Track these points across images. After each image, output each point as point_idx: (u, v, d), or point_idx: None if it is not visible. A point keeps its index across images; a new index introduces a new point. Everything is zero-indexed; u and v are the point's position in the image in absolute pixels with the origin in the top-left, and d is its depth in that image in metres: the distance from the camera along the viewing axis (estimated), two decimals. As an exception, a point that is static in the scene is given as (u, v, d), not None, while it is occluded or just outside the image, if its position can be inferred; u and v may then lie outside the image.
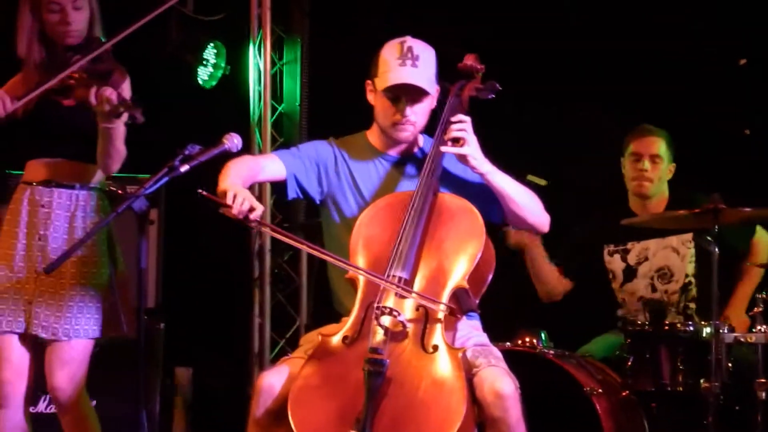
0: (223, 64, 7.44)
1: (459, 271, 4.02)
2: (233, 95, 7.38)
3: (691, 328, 5.08)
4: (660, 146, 5.66)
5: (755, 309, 4.94)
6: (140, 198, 3.91)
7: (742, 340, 4.94)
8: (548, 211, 4.36)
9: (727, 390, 4.90)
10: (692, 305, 5.59)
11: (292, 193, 4.36)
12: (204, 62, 7.45)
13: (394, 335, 3.90)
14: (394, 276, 3.99)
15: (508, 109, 5.56)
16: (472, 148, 4.18)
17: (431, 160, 4.22)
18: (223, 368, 7.17)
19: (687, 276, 5.62)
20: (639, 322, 5.34)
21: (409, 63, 4.26)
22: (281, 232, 4.10)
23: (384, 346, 3.86)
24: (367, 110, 4.43)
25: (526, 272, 5.75)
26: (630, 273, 5.71)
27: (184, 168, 3.94)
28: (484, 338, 4.20)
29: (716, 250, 4.90)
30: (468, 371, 3.91)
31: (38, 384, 4.59)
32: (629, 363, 5.15)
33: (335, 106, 6.70)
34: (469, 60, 4.50)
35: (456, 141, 4.18)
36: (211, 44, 7.44)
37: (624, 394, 5.13)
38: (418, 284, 4.03)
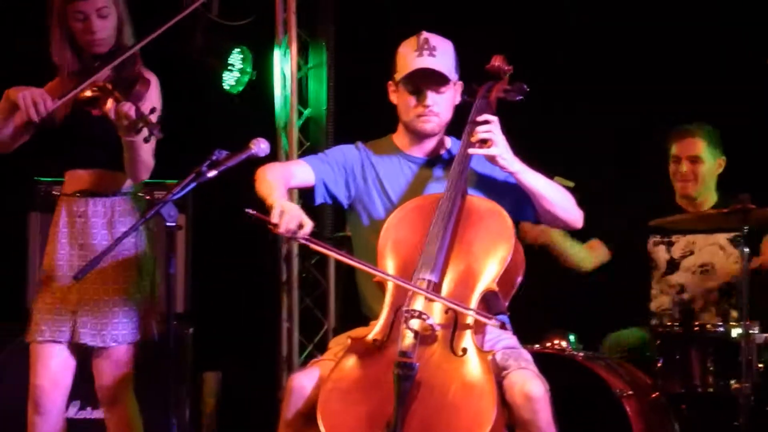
0: (249, 69, 7.45)
1: (488, 274, 4.01)
2: (259, 100, 7.39)
3: (722, 329, 5.07)
4: (700, 147, 5.64)
5: None
6: (168, 203, 3.92)
7: (773, 340, 4.93)
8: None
9: (758, 391, 4.88)
10: (734, 313, 5.41)
11: (320, 198, 4.36)
12: (230, 67, 7.46)
13: (424, 338, 3.89)
14: (422, 279, 3.98)
15: (540, 110, 5.54)
16: (500, 148, 4.16)
17: (459, 162, 4.21)
18: (251, 373, 7.17)
19: (729, 275, 5.58)
20: (668, 323, 5.32)
21: (426, 53, 4.27)
22: (331, 248, 4.08)
23: (413, 350, 3.84)
24: (393, 113, 4.43)
25: (554, 274, 5.73)
26: (673, 266, 5.69)
27: (212, 173, 3.95)
28: (513, 341, 4.18)
29: (746, 250, 4.88)
30: (498, 374, 3.89)
31: (70, 390, 4.60)
32: (659, 364, 5.13)
33: (361, 110, 6.70)
34: (497, 61, 4.49)
35: (484, 142, 4.17)
36: (237, 49, 7.45)
37: (654, 395, 5.11)
38: (446, 287, 4.02)
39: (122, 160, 4.40)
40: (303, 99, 7.40)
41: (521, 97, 4.46)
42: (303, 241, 3.97)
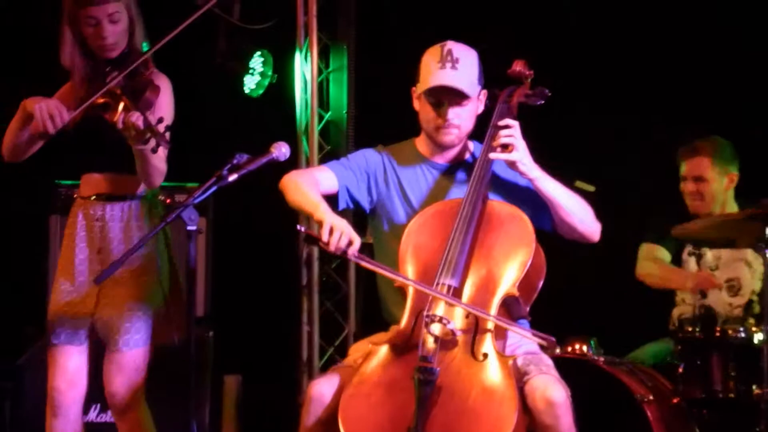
0: (269, 73, 7.45)
1: (509, 279, 4.01)
2: (280, 104, 7.39)
3: (743, 335, 5.05)
4: (705, 167, 5.61)
5: None
6: (189, 207, 3.92)
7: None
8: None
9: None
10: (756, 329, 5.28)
11: (343, 204, 4.36)
12: (251, 71, 7.47)
13: (444, 343, 3.89)
14: (443, 284, 3.97)
15: (562, 114, 5.53)
16: (520, 154, 4.16)
17: (480, 167, 4.21)
18: (272, 376, 7.17)
19: (753, 292, 5.56)
20: (690, 329, 5.30)
21: (449, 66, 4.25)
22: (382, 267, 4.06)
23: (434, 355, 3.84)
24: (413, 117, 4.42)
25: (576, 278, 5.72)
26: None
27: (233, 177, 3.94)
28: (534, 346, 4.17)
29: (768, 255, 4.86)
30: (519, 379, 3.89)
31: (89, 392, 4.61)
32: (680, 370, 5.12)
33: (382, 114, 6.70)
34: (518, 66, 4.49)
35: (505, 147, 4.16)
36: (258, 53, 7.45)
37: (675, 401, 5.09)
38: (467, 292, 4.01)
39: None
40: (323, 102, 7.39)
41: (543, 102, 4.45)
42: (353, 259, 3.98)
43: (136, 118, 4.16)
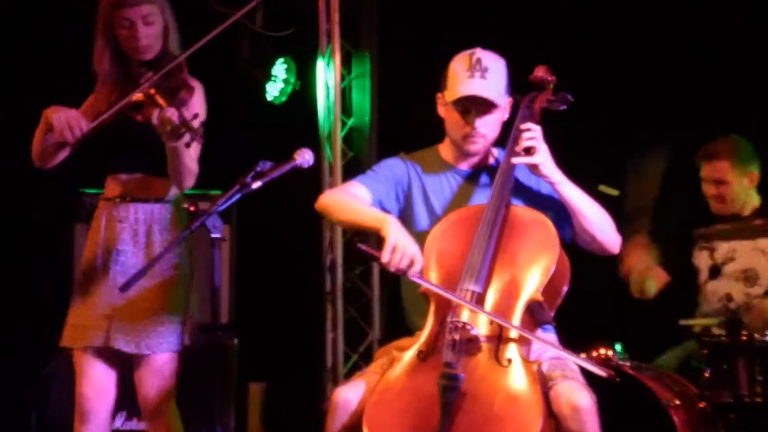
0: (292, 80, 7.48)
1: (532, 284, 4.00)
2: (303, 110, 7.40)
3: (770, 339, 5.02)
4: (724, 169, 5.60)
5: None
6: (213, 215, 3.93)
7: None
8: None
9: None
10: None
11: None
12: (274, 78, 7.50)
13: (469, 349, 3.88)
14: (466, 290, 3.96)
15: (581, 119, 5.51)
16: (542, 157, 4.16)
17: (503, 173, 4.20)
18: (296, 383, 7.18)
19: None
20: (715, 333, 5.28)
21: (478, 75, 4.24)
22: (441, 288, 4.01)
23: (458, 361, 3.83)
24: (437, 123, 4.42)
25: (600, 283, 5.70)
26: (715, 271, 5.65)
27: (256, 184, 3.95)
28: (555, 345, 4.15)
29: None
30: (544, 384, 3.87)
31: (117, 400, 4.62)
32: (706, 374, 5.09)
33: (405, 119, 6.71)
34: (540, 71, 4.48)
35: (527, 151, 4.16)
36: (281, 60, 7.48)
37: (701, 405, 5.07)
38: (491, 298, 4.00)
39: (165, 166, 4.41)
40: (346, 109, 7.40)
41: (565, 107, 4.44)
42: (413, 279, 3.97)
43: (171, 113, 4.19)
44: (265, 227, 7.13)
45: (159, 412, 4.50)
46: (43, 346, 5.98)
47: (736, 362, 5.04)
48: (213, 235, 3.97)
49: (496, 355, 3.87)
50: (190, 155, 4.35)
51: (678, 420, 4.91)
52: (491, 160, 4.41)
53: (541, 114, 4.38)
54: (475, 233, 4.07)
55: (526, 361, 3.89)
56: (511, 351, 3.88)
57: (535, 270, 4.03)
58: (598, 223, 4.24)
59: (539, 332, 4.09)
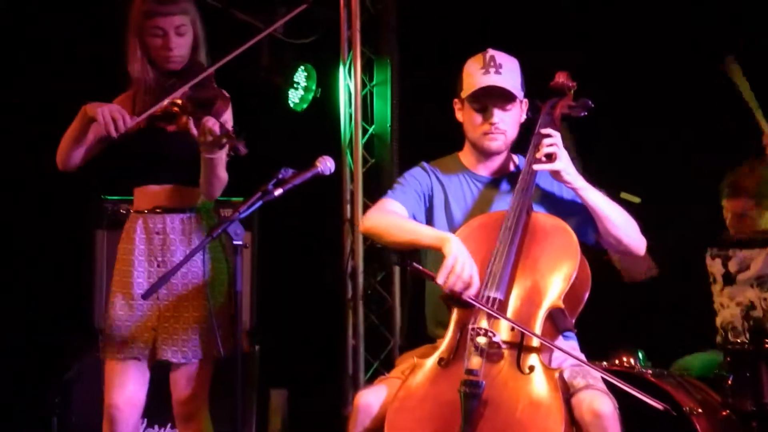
0: (313, 87, 7.49)
1: (554, 291, 3.99)
2: (324, 118, 7.41)
3: (793, 346, 5.00)
4: (749, 207, 5.59)
5: None
6: (235, 222, 3.93)
7: None
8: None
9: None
10: None
11: None
12: (295, 85, 7.51)
13: (490, 356, 3.87)
14: (487, 297, 3.96)
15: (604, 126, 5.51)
16: (563, 163, 4.15)
17: (524, 179, 4.20)
18: (318, 390, 7.18)
19: None
20: (738, 341, 5.25)
21: (493, 71, 4.26)
22: (486, 305, 3.98)
23: (480, 368, 3.83)
24: (457, 130, 4.42)
25: (622, 290, 5.69)
26: (729, 278, 5.62)
27: (278, 192, 3.96)
28: (581, 358, 4.15)
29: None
30: (565, 392, 3.87)
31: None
32: (729, 382, 5.06)
33: (426, 127, 6.69)
34: (561, 77, 4.48)
35: (548, 157, 4.15)
36: (302, 67, 7.49)
37: (724, 413, 5.04)
38: (512, 305, 4.00)
39: (195, 176, 4.41)
40: (367, 116, 7.40)
41: (586, 113, 4.43)
42: (465, 299, 3.96)
43: (213, 123, 4.21)
44: (287, 234, 7.13)
45: (192, 416, 4.51)
46: (65, 351, 6.01)
47: (759, 370, 5.01)
48: (235, 242, 3.97)
49: (518, 362, 3.87)
50: (223, 165, 4.35)
51: (700, 428, 4.89)
52: (512, 167, 4.41)
53: (561, 120, 4.38)
54: (496, 240, 4.07)
55: (548, 368, 3.88)
56: (533, 358, 3.88)
57: (556, 277, 4.03)
58: (622, 226, 4.23)
59: (560, 339, 4.09)
